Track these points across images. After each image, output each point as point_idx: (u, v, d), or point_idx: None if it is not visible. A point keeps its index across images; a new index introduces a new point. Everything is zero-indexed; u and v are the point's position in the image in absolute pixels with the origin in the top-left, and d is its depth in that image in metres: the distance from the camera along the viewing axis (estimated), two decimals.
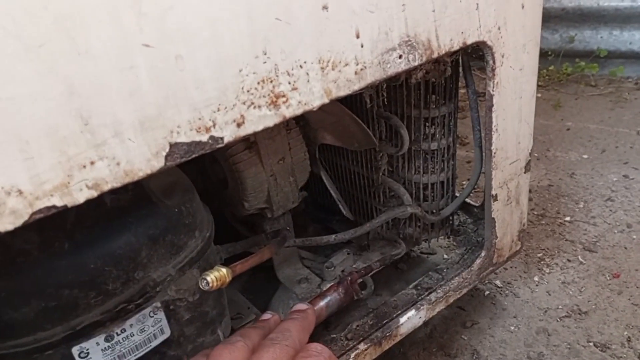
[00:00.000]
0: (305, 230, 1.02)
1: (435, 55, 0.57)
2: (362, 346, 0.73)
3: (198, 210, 0.64)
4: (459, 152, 0.83)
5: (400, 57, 0.53)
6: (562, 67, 2.00)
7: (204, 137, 0.43)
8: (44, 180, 0.36)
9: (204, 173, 0.81)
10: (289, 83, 0.46)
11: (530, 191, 0.85)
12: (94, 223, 0.54)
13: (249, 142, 0.72)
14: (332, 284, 0.78)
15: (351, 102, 0.78)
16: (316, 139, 0.82)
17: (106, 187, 0.39)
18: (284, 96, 0.46)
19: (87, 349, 0.54)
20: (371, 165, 0.84)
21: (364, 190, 0.88)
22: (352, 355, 0.72)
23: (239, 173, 0.73)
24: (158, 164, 0.41)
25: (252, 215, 0.80)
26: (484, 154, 0.74)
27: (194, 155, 0.43)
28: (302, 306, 0.57)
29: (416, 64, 0.55)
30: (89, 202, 0.54)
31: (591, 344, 0.88)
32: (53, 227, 0.51)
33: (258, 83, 0.44)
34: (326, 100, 0.49)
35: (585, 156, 1.46)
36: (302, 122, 0.79)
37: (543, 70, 1.97)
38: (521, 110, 0.72)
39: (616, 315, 0.93)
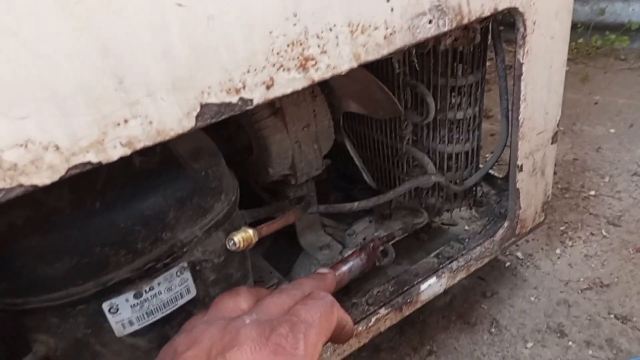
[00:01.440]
0: (328, 199, 1.02)
1: (465, 21, 0.56)
2: (382, 311, 0.74)
3: (224, 175, 0.65)
4: (482, 124, 0.82)
5: (430, 22, 0.53)
6: (591, 40, 1.96)
7: (234, 99, 0.43)
8: (80, 137, 0.37)
9: (229, 140, 0.82)
10: (318, 46, 0.46)
11: (554, 165, 0.84)
12: (124, 184, 0.55)
13: (275, 108, 0.72)
14: (354, 249, 0.78)
15: (377, 69, 0.78)
16: (341, 107, 0.82)
17: (139, 145, 0.40)
18: (313, 59, 0.46)
19: (117, 305, 0.55)
20: (395, 134, 0.84)
21: (388, 160, 0.88)
22: (373, 319, 0.73)
23: (264, 139, 0.73)
24: (189, 124, 0.42)
25: (276, 182, 0.81)
26: (510, 124, 0.74)
27: (223, 117, 0.43)
28: (323, 270, 0.56)
29: (446, 29, 0.54)
30: (119, 164, 0.56)
31: (612, 315, 0.88)
32: (85, 187, 0.53)
33: (288, 46, 0.44)
34: (355, 65, 0.49)
35: (612, 130, 1.43)
36: (327, 90, 0.79)
37: (572, 42, 1.93)
38: (550, 80, 0.71)
39: (638, 288, 0.93)
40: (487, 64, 0.78)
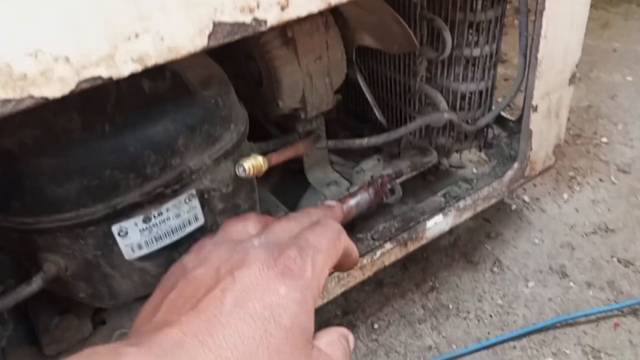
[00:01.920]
0: (336, 137, 1.02)
1: None
2: (387, 245, 0.75)
3: (234, 104, 0.64)
4: (497, 68, 0.80)
5: None
6: None
7: (248, 18, 0.42)
8: (90, 50, 0.36)
9: (239, 71, 0.81)
10: None
11: (568, 110, 0.83)
12: (133, 108, 0.54)
13: (287, 38, 0.70)
14: (362, 185, 0.78)
15: (394, 1, 0.76)
16: (354, 41, 0.80)
17: (150, 62, 0.39)
18: None
19: (126, 228, 0.56)
20: (409, 71, 0.82)
21: (400, 97, 0.87)
22: (378, 253, 0.74)
23: (275, 70, 0.72)
24: (201, 42, 0.41)
25: (286, 116, 0.80)
26: (528, 62, 0.72)
27: (237, 37, 0.42)
28: (331, 202, 0.56)
29: None
30: (128, 88, 0.55)
31: (615, 259, 0.89)
32: (94, 110, 0.52)
33: None
34: None
35: (629, 78, 1.40)
36: (342, 22, 0.77)
37: None
38: (574, 17, 0.68)
39: None
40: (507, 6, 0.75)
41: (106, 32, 0.36)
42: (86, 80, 0.37)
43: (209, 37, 0.41)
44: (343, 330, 0.40)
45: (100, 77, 0.37)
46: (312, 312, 0.35)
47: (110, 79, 0.38)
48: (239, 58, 0.79)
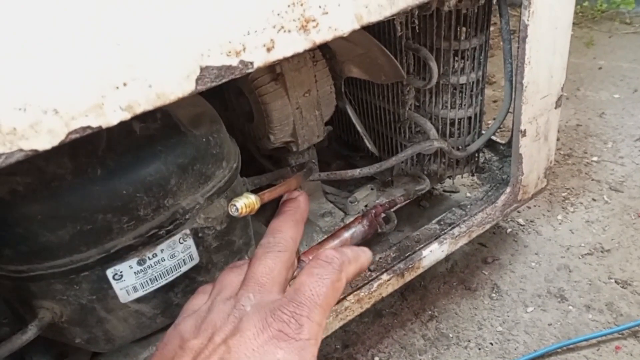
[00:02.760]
0: (329, 167, 1.02)
1: None
2: (385, 277, 0.74)
3: (225, 141, 0.65)
4: (485, 91, 0.81)
5: None
6: (596, 4, 1.92)
7: (234, 61, 0.43)
8: (78, 100, 0.36)
9: (230, 106, 0.81)
10: (320, 7, 0.45)
11: (557, 131, 0.84)
12: (125, 151, 0.55)
13: (275, 74, 0.71)
14: (356, 216, 0.79)
15: (379, 33, 0.77)
16: (343, 72, 0.81)
17: (139, 109, 0.39)
18: (314, 20, 0.45)
19: (121, 272, 0.56)
20: (398, 100, 0.83)
21: (390, 126, 0.88)
22: (375, 284, 0.73)
23: (265, 105, 0.72)
24: (189, 87, 0.41)
25: (277, 149, 0.80)
26: (514, 88, 0.73)
27: (224, 80, 0.43)
28: (293, 194, 0.52)
29: None
30: (119, 130, 0.55)
31: (612, 280, 0.89)
32: (85, 154, 0.52)
33: (288, 6, 0.43)
34: (357, 26, 0.48)
35: (616, 96, 1.42)
36: (329, 55, 0.78)
37: (577, 6, 1.89)
38: (555, 42, 0.70)
39: (639, 253, 0.93)
40: (491, 28, 0.76)
41: (94, 82, 0.37)
42: (75, 131, 0.37)
43: (197, 81, 0.41)
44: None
45: (89, 127, 0.38)
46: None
47: (99, 128, 0.38)
48: (230, 94, 0.80)
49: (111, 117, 0.38)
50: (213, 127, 0.63)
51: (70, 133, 0.37)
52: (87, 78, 0.36)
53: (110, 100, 0.38)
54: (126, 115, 0.39)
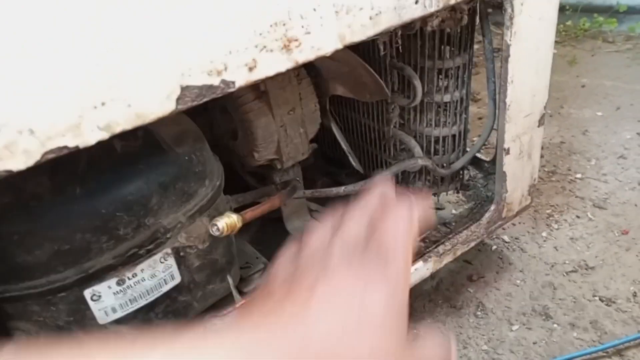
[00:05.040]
0: (314, 184, 1.02)
1: (452, 1, 0.55)
2: None
3: (208, 159, 0.64)
4: (470, 108, 0.82)
5: (416, 2, 0.52)
6: (579, 23, 1.95)
7: (216, 81, 0.42)
8: (55, 121, 0.36)
9: (214, 124, 0.81)
10: (302, 27, 0.45)
11: (541, 148, 0.84)
12: (105, 169, 0.54)
13: (260, 92, 0.71)
14: None
15: (364, 52, 0.77)
16: (327, 90, 0.81)
17: (118, 129, 0.39)
18: (296, 40, 0.45)
19: (99, 292, 0.55)
20: (382, 118, 0.83)
21: (375, 143, 0.88)
22: None
23: (249, 123, 0.72)
24: (170, 106, 0.41)
25: (262, 166, 0.80)
26: (497, 106, 0.73)
27: (205, 99, 0.42)
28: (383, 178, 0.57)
29: (432, 10, 0.53)
30: (99, 149, 0.54)
31: (597, 298, 0.89)
32: (65, 173, 0.52)
33: (270, 26, 0.43)
34: (340, 46, 0.48)
35: (599, 113, 1.43)
36: (314, 73, 0.78)
37: (560, 25, 1.92)
38: (538, 62, 0.70)
39: (623, 270, 0.94)
40: (475, 47, 0.77)
41: (71, 102, 0.36)
42: (52, 151, 0.36)
43: (177, 101, 0.41)
44: (445, 334, 0.40)
45: (66, 147, 0.37)
46: (404, 312, 0.35)
47: (76, 148, 0.38)
48: (214, 111, 0.79)
49: (89, 137, 0.38)
50: (196, 145, 0.62)
51: (46, 153, 0.36)
52: (64, 98, 0.36)
53: (88, 120, 0.37)
54: (104, 135, 0.38)
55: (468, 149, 0.86)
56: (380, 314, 0.34)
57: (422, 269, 0.79)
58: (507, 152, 0.77)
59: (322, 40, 0.47)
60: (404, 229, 0.40)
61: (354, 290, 0.35)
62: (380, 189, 0.50)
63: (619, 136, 1.32)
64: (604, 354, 0.80)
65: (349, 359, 0.32)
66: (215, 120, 0.80)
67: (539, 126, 0.79)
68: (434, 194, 0.91)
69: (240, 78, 0.44)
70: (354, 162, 0.89)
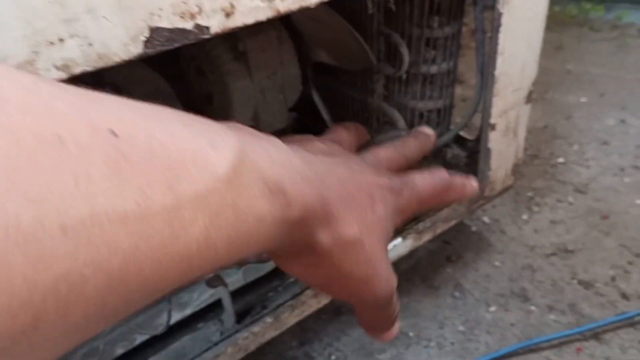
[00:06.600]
0: None
1: None
2: None
3: None
4: (455, 89, 0.79)
5: None
6: (566, 9, 1.94)
7: (189, 25, 0.39)
8: (7, 55, 0.32)
9: (189, 87, 0.77)
10: None
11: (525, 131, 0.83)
12: None
13: (239, 52, 0.67)
14: None
15: (350, 16, 0.74)
16: (310, 56, 0.77)
17: (77, 70, 0.35)
18: None
19: None
20: (366, 88, 0.80)
21: (357, 115, 0.85)
22: None
23: (226, 86, 0.68)
24: (136, 49, 0.37)
25: None
26: (485, 80, 0.71)
27: (176, 45, 0.39)
28: (428, 131, 0.64)
29: None
30: None
31: (575, 281, 0.88)
32: None
33: None
34: None
35: (583, 99, 1.42)
36: (296, 37, 0.74)
37: (548, 11, 1.90)
38: (530, 34, 0.68)
39: (602, 255, 0.93)
40: (463, 29, 0.74)
41: (25, 35, 0.32)
42: None
43: (145, 43, 0.37)
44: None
45: None
46: (393, 225, 0.42)
47: None
48: (189, 73, 0.75)
49: (45, 76, 0.34)
50: (168, 105, 0.59)
51: None
52: (17, 29, 0.32)
53: (44, 56, 0.34)
54: (62, 75, 0.35)
55: (452, 127, 0.83)
56: (385, 207, 0.40)
57: (401, 246, 0.77)
58: (493, 127, 0.74)
59: None
60: (433, 187, 0.46)
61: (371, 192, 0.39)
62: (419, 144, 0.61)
63: (603, 122, 1.31)
64: (581, 337, 0.78)
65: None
66: (190, 82, 0.76)
67: (526, 103, 0.77)
68: None
69: (216, 24, 0.40)
70: None
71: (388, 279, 0.40)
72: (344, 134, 0.59)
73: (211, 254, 0.23)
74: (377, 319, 0.44)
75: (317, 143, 0.46)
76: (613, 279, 0.88)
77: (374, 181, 0.40)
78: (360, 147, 0.66)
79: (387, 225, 0.41)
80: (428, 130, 0.63)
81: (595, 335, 0.79)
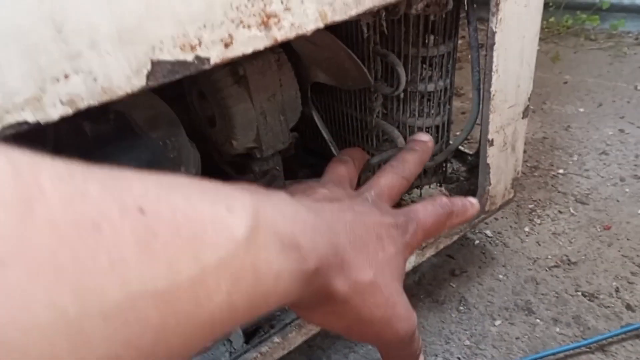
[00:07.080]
0: (295, 175, 0.99)
1: None
2: None
3: (184, 145, 0.62)
4: (453, 102, 0.80)
5: None
6: (562, 19, 1.96)
7: (189, 57, 0.40)
8: (13, 92, 0.33)
9: (191, 111, 0.78)
10: (282, 2, 0.43)
11: (524, 143, 0.84)
12: (73, 153, 0.51)
13: (239, 77, 0.68)
14: None
15: (347, 38, 0.75)
16: (309, 77, 0.79)
17: (82, 105, 0.36)
18: (275, 16, 0.43)
19: None
20: (365, 107, 0.81)
21: (357, 133, 0.86)
22: None
23: (228, 109, 0.70)
24: (139, 82, 0.38)
25: (241, 155, 0.77)
26: (482, 96, 0.72)
27: (178, 76, 0.40)
28: (424, 137, 0.61)
29: None
30: (67, 131, 0.52)
31: (579, 293, 0.88)
32: None
33: (248, 0, 0.41)
34: (321, 25, 0.46)
35: (581, 110, 1.43)
36: (295, 59, 0.76)
37: (543, 22, 1.92)
38: (523, 51, 0.69)
39: (605, 266, 0.93)
40: (459, 42, 0.75)
41: (31, 73, 0.33)
42: (10, 126, 0.34)
43: (148, 76, 0.38)
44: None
45: (26, 122, 0.34)
46: (404, 261, 0.43)
47: (37, 124, 0.35)
48: (191, 97, 0.77)
49: (51, 111, 0.35)
50: (171, 130, 0.60)
51: (4, 128, 0.34)
52: (23, 67, 0.33)
53: (50, 93, 0.35)
54: (67, 110, 0.36)
55: (451, 142, 0.84)
56: (393, 247, 0.40)
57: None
58: (491, 143, 0.75)
59: (302, 18, 0.45)
60: (436, 216, 0.46)
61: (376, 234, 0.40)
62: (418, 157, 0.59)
63: (601, 132, 1.32)
64: (587, 349, 0.79)
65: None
66: (192, 107, 0.77)
67: (522, 118, 0.78)
68: (417, 187, 0.89)
69: (216, 54, 0.41)
70: (335, 152, 0.87)
71: (408, 317, 0.41)
72: (343, 170, 0.59)
73: (232, 317, 0.24)
74: (401, 358, 0.44)
75: (319, 190, 0.46)
76: (617, 290, 0.88)
77: (380, 221, 0.40)
78: (361, 167, 0.67)
79: (399, 262, 0.41)
80: (424, 137, 0.61)
81: (601, 347, 0.79)
